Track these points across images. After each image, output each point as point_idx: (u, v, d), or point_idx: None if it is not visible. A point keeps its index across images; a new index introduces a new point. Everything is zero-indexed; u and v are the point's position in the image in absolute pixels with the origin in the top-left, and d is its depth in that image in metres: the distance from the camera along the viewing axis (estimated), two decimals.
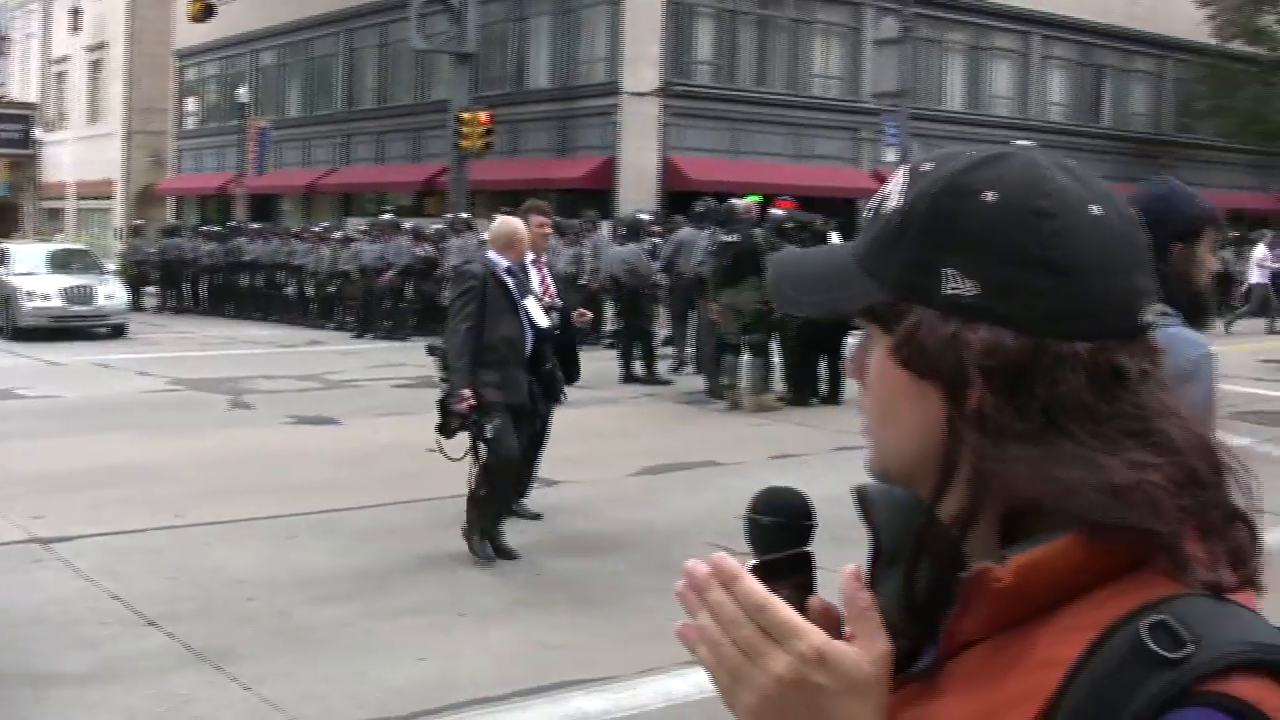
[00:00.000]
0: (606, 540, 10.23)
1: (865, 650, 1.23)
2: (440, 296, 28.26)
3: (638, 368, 20.27)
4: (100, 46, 63.34)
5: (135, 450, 13.94)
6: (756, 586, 1.22)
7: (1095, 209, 1.25)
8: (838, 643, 1.22)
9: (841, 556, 1.33)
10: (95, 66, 64.40)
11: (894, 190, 1.33)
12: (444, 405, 9.50)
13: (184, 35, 52.52)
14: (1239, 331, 29.83)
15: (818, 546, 1.31)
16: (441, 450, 9.28)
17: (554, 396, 10.32)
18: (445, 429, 9.49)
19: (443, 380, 9.81)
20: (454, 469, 9.22)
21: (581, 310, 12.31)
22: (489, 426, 9.31)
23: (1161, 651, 1.12)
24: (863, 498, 1.35)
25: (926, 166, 1.33)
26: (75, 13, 62.65)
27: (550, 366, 10.15)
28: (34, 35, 71.67)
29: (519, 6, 40.02)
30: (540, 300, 10.09)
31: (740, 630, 1.21)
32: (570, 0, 38.50)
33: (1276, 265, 34.68)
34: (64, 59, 67.77)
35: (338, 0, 46.68)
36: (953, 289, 1.25)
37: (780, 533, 1.32)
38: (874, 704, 1.22)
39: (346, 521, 10.82)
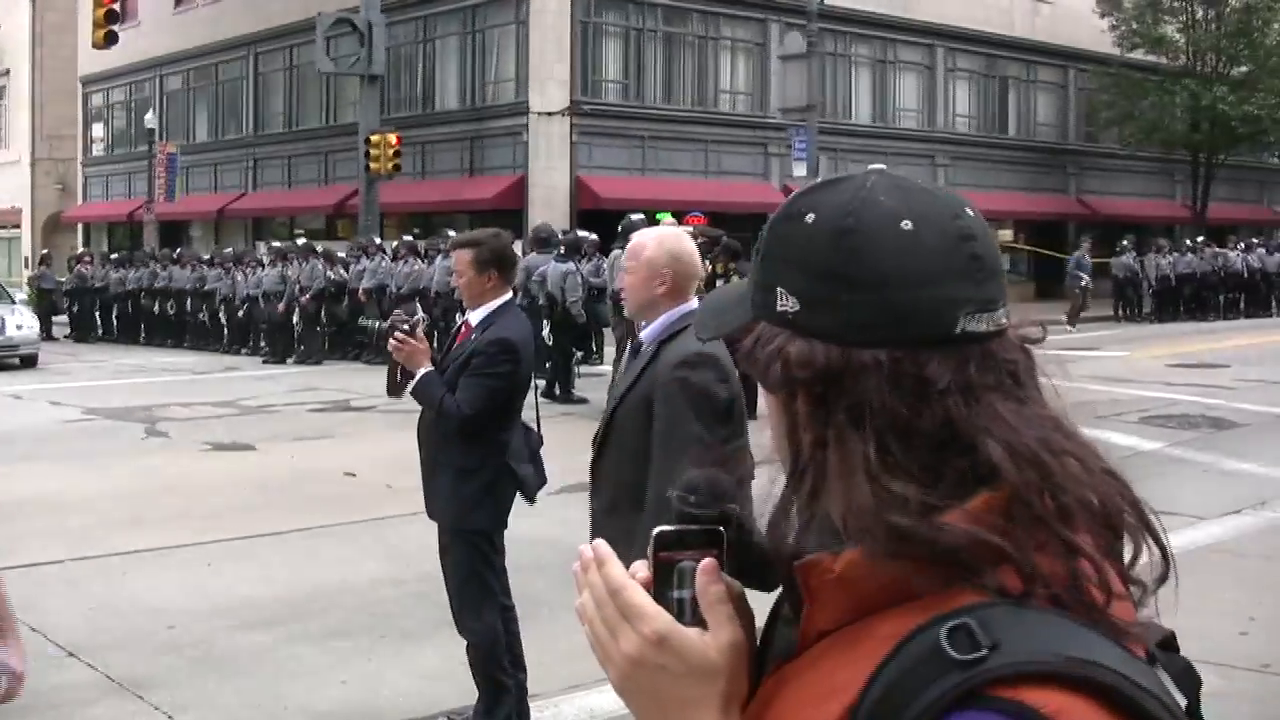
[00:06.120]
0: (525, 559, 10.27)
1: (714, 638, 1.33)
2: (363, 319, 28.20)
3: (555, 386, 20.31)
4: (4, 74, 62.64)
5: (50, 481, 13.79)
6: (620, 572, 1.35)
7: (906, 224, 1.31)
8: (683, 629, 1.32)
9: None
10: None
11: None
12: None
13: (89, 61, 51.97)
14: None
15: None
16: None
17: None
18: None
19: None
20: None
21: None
22: None
23: (953, 653, 1.17)
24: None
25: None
26: None
27: None
28: None
29: (426, 28, 40.02)
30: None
31: (605, 609, 1.34)
32: (477, 21, 38.54)
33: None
34: None
35: (244, 24, 46.45)
36: (782, 306, 1.36)
37: (695, 511, 1.43)
38: (719, 689, 1.32)
39: (265, 547, 10.80)
